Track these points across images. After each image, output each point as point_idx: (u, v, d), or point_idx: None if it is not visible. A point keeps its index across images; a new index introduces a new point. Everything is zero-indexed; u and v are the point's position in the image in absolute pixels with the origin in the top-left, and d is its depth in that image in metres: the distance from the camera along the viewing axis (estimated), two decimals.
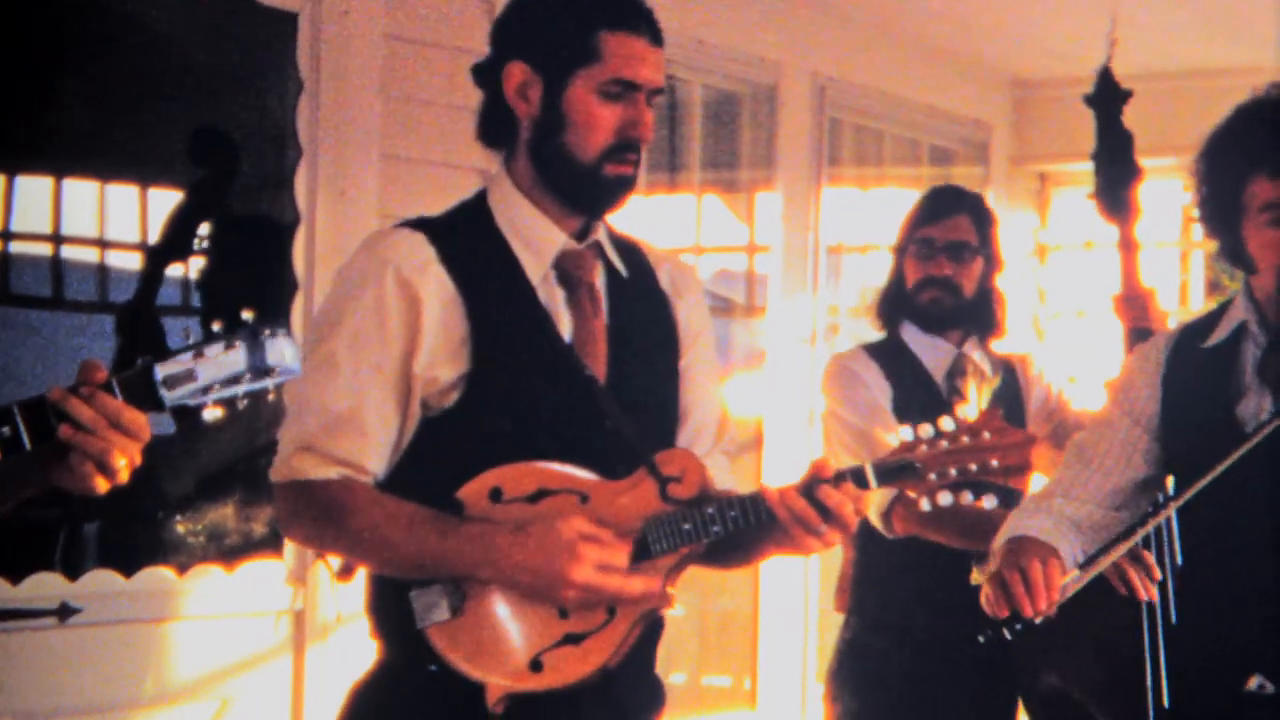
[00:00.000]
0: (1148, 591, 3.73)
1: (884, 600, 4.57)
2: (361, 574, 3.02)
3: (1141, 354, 3.66)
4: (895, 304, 4.69)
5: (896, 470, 2.91)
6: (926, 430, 2.92)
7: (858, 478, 2.89)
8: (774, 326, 6.95)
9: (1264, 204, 3.35)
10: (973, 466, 2.91)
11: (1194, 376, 3.48)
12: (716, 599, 7.21)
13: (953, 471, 2.91)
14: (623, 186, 2.98)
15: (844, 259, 7.65)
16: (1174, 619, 3.60)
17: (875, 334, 4.76)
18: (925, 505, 2.90)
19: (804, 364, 6.95)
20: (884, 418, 4.38)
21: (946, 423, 2.92)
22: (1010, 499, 3.71)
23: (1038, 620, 3.15)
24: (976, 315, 4.62)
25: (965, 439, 2.91)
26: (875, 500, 4.31)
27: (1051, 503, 3.51)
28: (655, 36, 2.98)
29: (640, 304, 3.11)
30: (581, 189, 2.98)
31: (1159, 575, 3.69)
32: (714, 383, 3.24)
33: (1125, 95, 4.50)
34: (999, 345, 4.70)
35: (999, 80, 8.26)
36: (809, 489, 2.85)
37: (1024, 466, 2.93)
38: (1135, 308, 4.36)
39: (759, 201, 7.26)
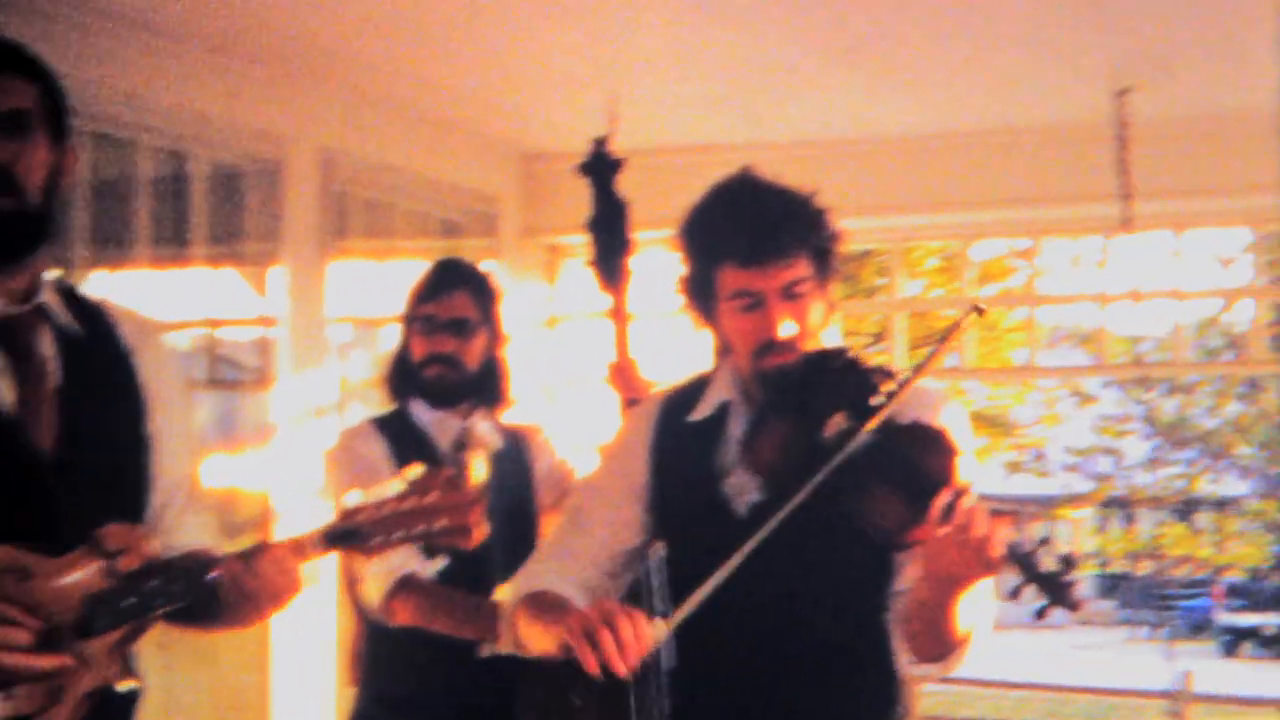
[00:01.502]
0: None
1: (388, 674, 4.58)
2: None
3: (631, 423, 3.70)
4: (402, 378, 4.73)
5: (341, 536, 2.90)
6: (376, 494, 2.92)
7: (306, 545, 2.90)
8: (284, 400, 6.90)
9: (733, 292, 3.33)
10: (418, 528, 2.91)
11: (681, 451, 3.50)
12: (229, 673, 7.11)
13: (397, 534, 2.90)
14: None
15: (356, 332, 7.65)
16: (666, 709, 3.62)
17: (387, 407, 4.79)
18: (374, 567, 2.91)
19: (315, 438, 6.91)
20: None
21: (394, 486, 2.92)
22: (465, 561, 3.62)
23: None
24: (481, 388, 4.68)
25: (412, 501, 2.91)
26: (373, 591, 4.33)
27: (551, 565, 3.52)
28: None
29: (98, 366, 3.06)
30: None
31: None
32: (184, 441, 3.20)
33: (616, 164, 4.61)
34: (510, 415, 4.76)
35: (508, 153, 8.36)
36: (249, 558, 2.86)
37: (467, 528, 2.90)
38: (623, 377, 4.47)
39: (270, 275, 7.20)
